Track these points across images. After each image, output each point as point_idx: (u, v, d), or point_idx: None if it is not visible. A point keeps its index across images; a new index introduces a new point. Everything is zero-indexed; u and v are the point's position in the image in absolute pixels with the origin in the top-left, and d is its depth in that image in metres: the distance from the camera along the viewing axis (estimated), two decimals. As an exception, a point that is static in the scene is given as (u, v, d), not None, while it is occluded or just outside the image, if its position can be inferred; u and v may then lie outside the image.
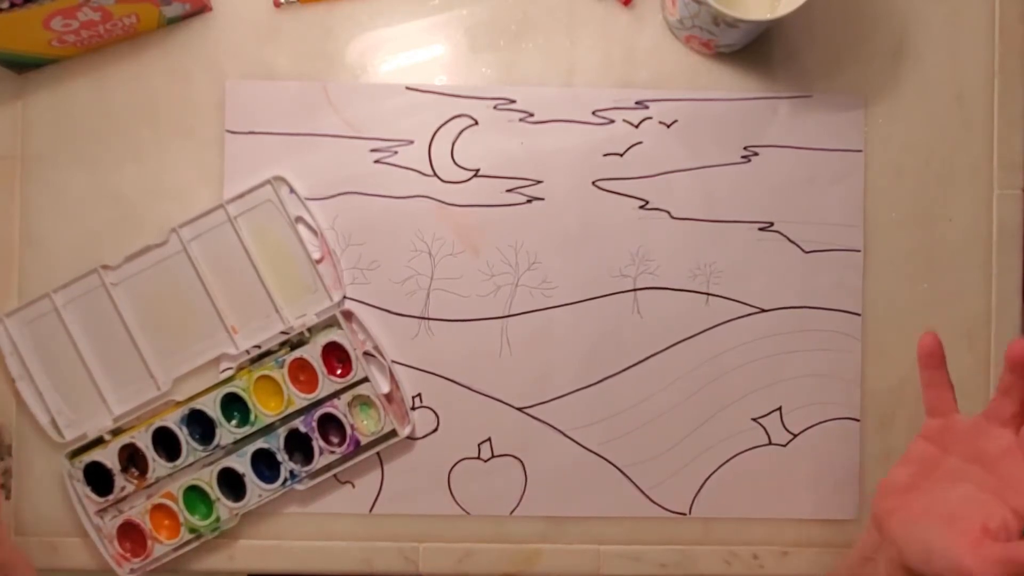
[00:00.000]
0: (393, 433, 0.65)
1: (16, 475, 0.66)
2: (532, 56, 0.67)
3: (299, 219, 0.65)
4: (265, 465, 0.65)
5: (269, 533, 0.66)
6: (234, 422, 0.65)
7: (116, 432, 0.65)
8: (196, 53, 0.66)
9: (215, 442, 0.64)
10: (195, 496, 0.65)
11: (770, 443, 0.67)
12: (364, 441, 0.65)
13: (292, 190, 0.65)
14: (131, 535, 0.64)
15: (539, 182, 0.66)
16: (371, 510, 0.66)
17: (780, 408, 0.67)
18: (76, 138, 0.66)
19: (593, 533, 0.67)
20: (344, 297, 0.66)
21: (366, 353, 0.65)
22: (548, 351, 0.66)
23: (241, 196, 0.65)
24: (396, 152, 0.66)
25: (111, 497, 0.64)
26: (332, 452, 0.65)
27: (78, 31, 0.62)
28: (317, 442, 0.64)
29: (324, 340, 0.65)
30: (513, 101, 0.66)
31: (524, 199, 0.66)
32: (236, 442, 0.65)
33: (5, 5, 0.56)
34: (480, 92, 0.66)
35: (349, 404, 0.65)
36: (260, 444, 0.64)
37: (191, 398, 0.65)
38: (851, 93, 0.67)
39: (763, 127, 0.67)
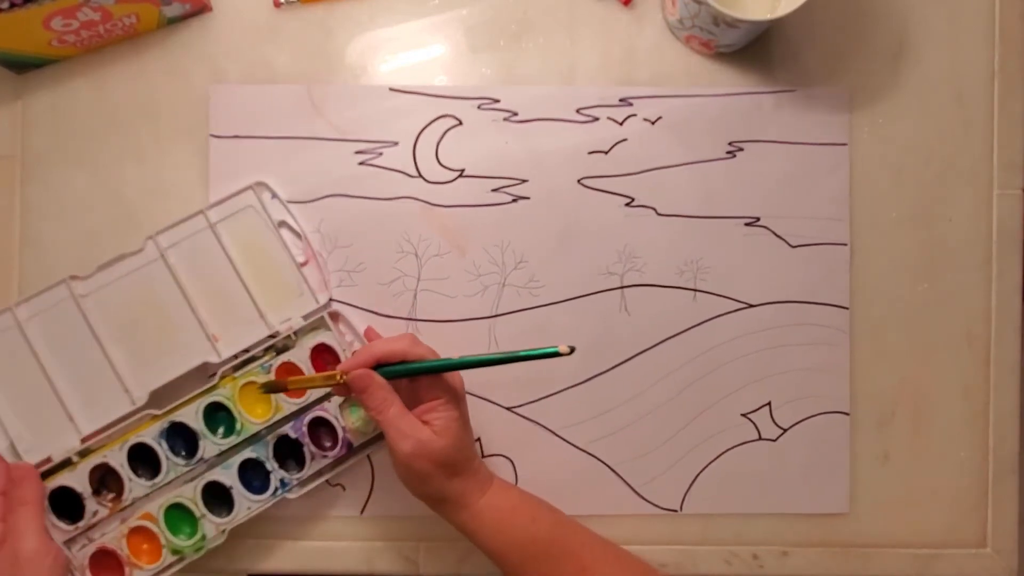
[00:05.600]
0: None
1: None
2: (532, 56, 0.67)
3: (282, 223, 0.64)
4: (253, 475, 0.62)
5: (269, 533, 0.66)
6: (219, 433, 0.62)
7: (85, 453, 0.61)
8: (196, 53, 0.66)
9: (198, 455, 0.61)
10: (178, 515, 0.61)
11: (760, 438, 0.67)
12: (356, 443, 0.64)
13: (275, 195, 0.64)
14: (106, 563, 0.60)
15: (524, 181, 0.66)
16: (362, 512, 0.66)
17: (770, 403, 0.67)
18: (76, 138, 0.66)
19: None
20: (330, 299, 0.65)
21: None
22: (536, 350, 0.66)
23: (221, 202, 0.64)
24: (381, 154, 0.66)
25: (82, 524, 0.60)
26: (324, 456, 0.63)
27: (78, 31, 0.62)
28: (309, 447, 0.63)
29: (312, 343, 0.63)
30: (497, 100, 0.66)
31: (510, 198, 0.66)
32: (220, 454, 0.62)
33: (5, 5, 0.56)
34: (463, 92, 0.66)
35: (340, 406, 0.63)
36: (247, 454, 0.62)
37: (170, 410, 0.62)
38: (835, 87, 0.67)
39: (747, 122, 0.67)
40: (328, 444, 0.63)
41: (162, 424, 0.61)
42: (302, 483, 0.63)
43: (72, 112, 0.66)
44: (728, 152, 0.67)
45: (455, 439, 0.56)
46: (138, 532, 0.61)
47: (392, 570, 0.67)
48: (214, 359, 0.63)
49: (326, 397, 0.63)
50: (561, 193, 0.66)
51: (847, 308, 0.67)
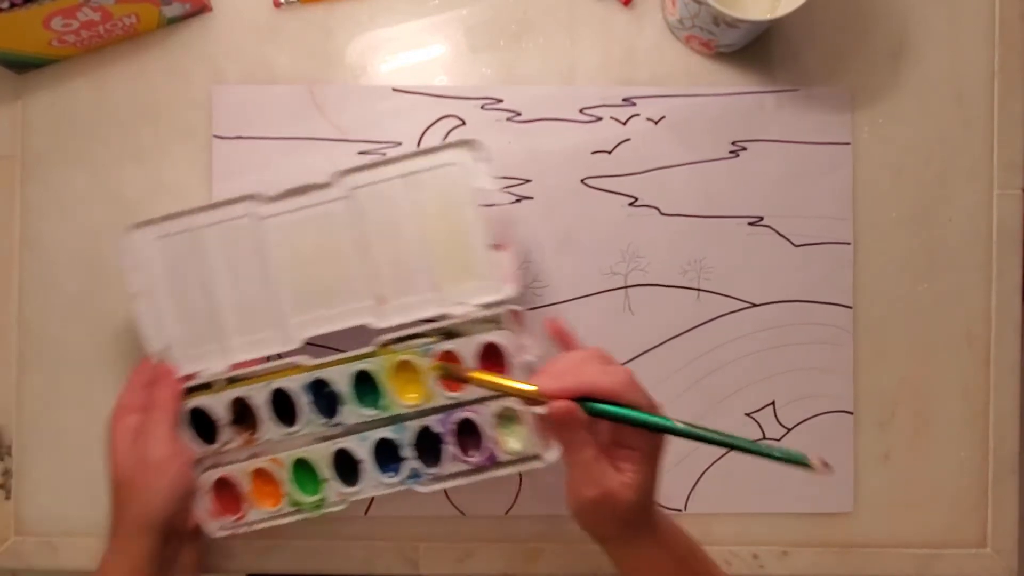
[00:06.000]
0: (536, 457, 0.58)
1: (16, 475, 0.66)
2: (532, 56, 0.67)
3: (484, 195, 0.58)
4: (387, 456, 0.59)
5: (269, 533, 0.66)
6: (364, 403, 0.59)
7: (231, 380, 0.59)
8: (196, 53, 0.66)
9: (338, 418, 0.59)
10: (303, 470, 0.59)
11: (764, 437, 0.67)
12: (502, 459, 0.59)
13: (486, 160, 0.58)
14: (226, 493, 0.59)
15: (528, 181, 0.66)
16: (367, 512, 0.66)
17: (773, 402, 0.67)
18: (76, 138, 0.66)
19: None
20: (514, 295, 0.59)
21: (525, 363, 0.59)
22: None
23: (425, 152, 0.58)
24: (384, 154, 0.65)
25: (212, 449, 0.59)
26: (464, 462, 0.59)
27: (78, 31, 0.62)
28: (450, 447, 0.59)
29: (484, 338, 0.58)
30: (500, 100, 0.66)
31: (513, 198, 0.66)
32: (359, 424, 0.59)
33: (5, 5, 0.56)
34: (467, 92, 0.66)
35: (497, 416, 0.58)
36: (387, 434, 0.59)
37: (320, 365, 0.59)
38: (838, 86, 0.67)
39: (750, 122, 0.67)
40: (471, 450, 0.59)
41: (309, 376, 0.59)
42: (436, 479, 0.59)
43: (72, 112, 0.66)
44: (731, 152, 0.67)
45: (643, 497, 0.52)
46: (263, 473, 0.59)
47: (392, 570, 0.67)
48: (377, 324, 0.59)
49: (483, 399, 0.58)
50: (564, 193, 0.66)
51: (851, 307, 0.67)
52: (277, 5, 0.66)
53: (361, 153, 0.66)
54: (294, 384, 0.59)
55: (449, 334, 0.59)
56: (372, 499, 0.66)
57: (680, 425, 0.50)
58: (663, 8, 0.67)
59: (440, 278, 0.58)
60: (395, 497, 0.65)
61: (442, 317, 0.59)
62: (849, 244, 0.67)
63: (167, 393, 0.58)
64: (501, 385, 0.54)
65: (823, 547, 0.67)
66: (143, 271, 0.59)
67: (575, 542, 0.67)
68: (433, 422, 0.59)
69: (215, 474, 0.59)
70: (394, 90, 0.66)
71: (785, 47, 0.67)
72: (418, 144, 0.66)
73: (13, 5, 0.56)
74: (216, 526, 0.59)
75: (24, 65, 0.65)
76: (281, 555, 0.66)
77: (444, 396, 0.58)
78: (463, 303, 0.58)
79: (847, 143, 0.67)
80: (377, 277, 0.58)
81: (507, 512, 0.66)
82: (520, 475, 0.66)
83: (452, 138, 0.59)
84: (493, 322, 0.59)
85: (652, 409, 0.51)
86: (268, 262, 0.59)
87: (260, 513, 0.59)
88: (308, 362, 0.59)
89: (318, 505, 0.59)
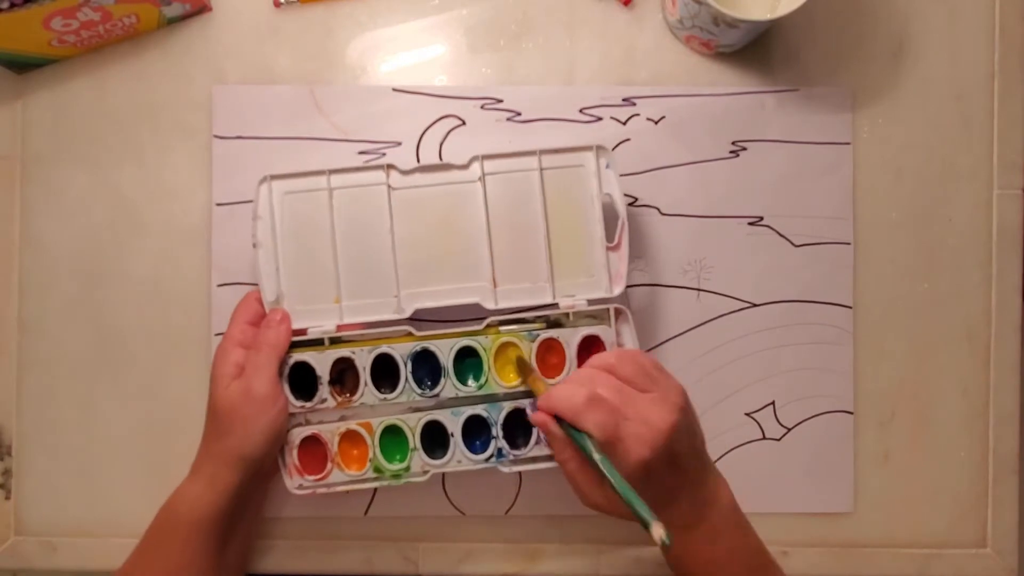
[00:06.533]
0: None
1: (16, 475, 0.66)
2: (532, 56, 0.67)
3: (607, 196, 0.61)
4: (476, 433, 0.60)
5: (269, 533, 0.66)
6: (464, 379, 0.60)
7: (336, 341, 0.60)
8: (196, 53, 0.66)
9: (436, 391, 0.60)
10: (392, 438, 0.60)
11: (764, 438, 0.67)
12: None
13: (609, 165, 0.61)
14: (312, 451, 0.60)
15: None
16: (366, 512, 0.66)
17: (773, 402, 0.67)
18: (76, 138, 0.66)
19: (592, 533, 0.67)
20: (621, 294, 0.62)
21: None
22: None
23: (557, 151, 0.61)
24: (384, 154, 0.66)
25: (308, 405, 0.59)
26: (549, 446, 0.59)
27: (78, 31, 0.62)
28: (539, 432, 0.60)
29: (586, 331, 0.60)
30: (500, 100, 0.66)
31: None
32: (455, 398, 0.60)
33: (5, 5, 0.56)
34: (467, 92, 0.66)
35: None
36: (480, 411, 0.60)
37: (428, 336, 0.60)
38: (838, 86, 0.67)
39: (750, 122, 0.67)
40: None
41: (415, 346, 0.60)
42: (517, 461, 0.60)
43: (72, 112, 0.66)
44: (731, 151, 0.67)
45: (626, 511, 0.51)
46: (352, 436, 0.60)
47: (392, 570, 0.66)
48: (488, 304, 0.61)
49: None
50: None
51: (850, 307, 0.67)
52: (277, 5, 0.66)
53: (361, 153, 0.66)
54: (399, 352, 0.60)
55: (553, 323, 0.61)
56: (372, 499, 0.66)
57: (596, 458, 0.50)
58: (663, 8, 0.67)
59: (554, 270, 0.61)
60: (395, 497, 0.65)
61: (550, 306, 0.61)
62: (849, 244, 0.67)
63: (278, 338, 0.58)
64: (543, 389, 0.56)
65: (823, 547, 0.67)
66: (267, 222, 0.60)
67: (575, 542, 0.67)
68: (528, 406, 0.60)
69: (304, 432, 0.60)
70: (394, 90, 0.66)
71: (785, 47, 0.68)
72: (418, 144, 0.66)
73: (13, 5, 0.56)
74: (295, 483, 0.60)
75: (24, 65, 0.65)
76: (281, 555, 0.66)
77: (543, 381, 0.59)
78: (572, 296, 0.61)
79: (847, 143, 0.67)
80: (494, 260, 0.61)
81: (507, 512, 0.66)
82: (520, 475, 0.66)
83: (582, 142, 0.61)
84: (596, 317, 0.61)
85: (605, 436, 0.51)
86: (395, 230, 0.61)
87: (342, 476, 0.60)
88: (417, 331, 0.60)
89: (399, 473, 0.60)
